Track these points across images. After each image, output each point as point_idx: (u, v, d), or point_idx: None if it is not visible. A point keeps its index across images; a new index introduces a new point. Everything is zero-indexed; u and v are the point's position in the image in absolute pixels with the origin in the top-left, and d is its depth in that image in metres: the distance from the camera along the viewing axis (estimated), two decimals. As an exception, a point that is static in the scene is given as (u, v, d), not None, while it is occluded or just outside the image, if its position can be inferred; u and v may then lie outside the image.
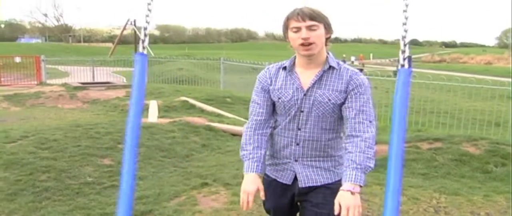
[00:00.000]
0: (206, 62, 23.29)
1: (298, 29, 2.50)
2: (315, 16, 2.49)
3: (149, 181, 6.39)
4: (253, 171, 2.64)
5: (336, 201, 2.36)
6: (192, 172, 6.75)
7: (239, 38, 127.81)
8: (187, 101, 12.37)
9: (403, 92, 2.06)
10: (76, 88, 15.43)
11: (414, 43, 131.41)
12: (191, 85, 19.53)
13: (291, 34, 2.54)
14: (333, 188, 2.59)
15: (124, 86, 16.19)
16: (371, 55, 72.15)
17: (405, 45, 2.13)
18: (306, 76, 2.62)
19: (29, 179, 6.00)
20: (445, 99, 12.80)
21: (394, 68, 38.80)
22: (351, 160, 2.45)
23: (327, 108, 2.60)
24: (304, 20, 2.47)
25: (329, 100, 2.58)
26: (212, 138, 8.76)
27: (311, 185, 2.72)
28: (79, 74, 20.53)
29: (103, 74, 21.14)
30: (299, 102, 2.62)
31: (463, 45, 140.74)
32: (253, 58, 41.94)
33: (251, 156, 2.68)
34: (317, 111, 2.61)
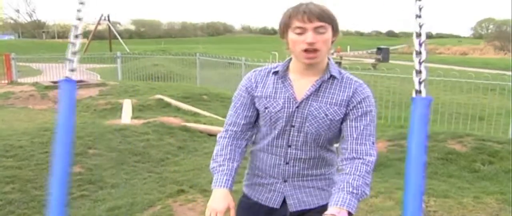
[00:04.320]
0: (182, 57, 22.86)
1: (303, 31, 2.07)
2: (324, 17, 2.07)
3: (121, 189, 6.04)
4: (222, 186, 2.24)
5: None
6: (168, 177, 6.41)
7: (216, 32, 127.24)
8: (162, 100, 11.99)
9: (420, 128, 1.68)
10: (47, 87, 14.86)
11: (390, 34, 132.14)
12: (167, 81, 19.12)
13: (292, 35, 2.11)
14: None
15: (97, 85, 15.70)
16: (348, 47, 72.14)
17: (420, 62, 1.73)
18: (301, 84, 2.22)
19: (-9, 191, 5.60)
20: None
21: (373, 61, 38.82)
22: (348, 182, 2.08)
23: (322, 124, 2.22)
24: (311, 21, 2.05)
25: (326, 115, 2.21)
26: (188, 140, 8.40)
27: (303, 208, 2.37)
28: (51, 72, 19.88)
29: (76, 71, 20.51)
30: (289, 115, 2.23)
31: (439, 35, 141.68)
32: (230, 52, 41.62)
33: (221, 168, 2.29)
34: (310, 127, 2.23)
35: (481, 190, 5.76)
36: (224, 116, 2.51)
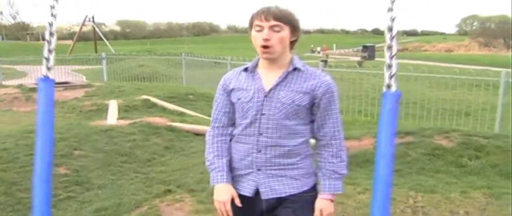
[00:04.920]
0: (168, 58, 22.79)
1: (261, 29, 2.37)
2: (280, 17, 2.36)
3: (108, 190, 5.98)
4: (219, 182, 2.52)
5: (317, 208, 2.50)
6: (154, 178, 6.37)
7: (202, 32, 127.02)
8: (148, 100, 11.93)
9: (390, 122, 1.78)
10: (32, 89, 14.70)
11: (375, 32, 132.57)
12: (153, 82, 19.04)
13: (253, 32, 2.41)
14: (301, 201, 2.54)
15: (83, 86, 15.60)
16: (334, 45, 72.27)
17: (391, 57, 1.75)
18: (269, 77, 2.48)
19: (-25, 195, 5.51)
20: (412, 89, 12.65)
21: (358, 58, 38.91)
22: (332, 170, 2.52)
23: (290, 110, 2.43)
24: (268, 20, 2.35)
25: (293, 101, 2.43)
26: (174, 139, 8.36)
27: (275, 197, 2.53)
28: (36, 74, 19.71)
29: (61, 73, 20.41)
30: (259, 103, 2.46)
31: (424, 33, 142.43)
32: (216, 51, 41.60)
33: (213, 167, 2.56)
34: (280, 113, 2.43)
35: (468, 185, 5.78)
36: (210, 115, 2.64)
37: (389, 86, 1.72)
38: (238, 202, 2.48)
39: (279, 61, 2.45)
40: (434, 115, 9.97)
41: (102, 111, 11.05)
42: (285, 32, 2.38)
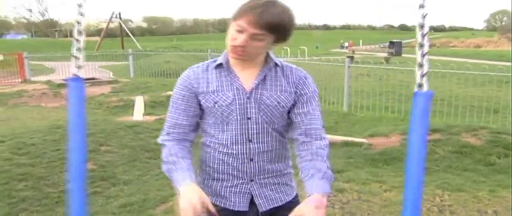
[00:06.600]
0: (194, 54, 22.86)
1: (242, 31, 1.95)
2: (270, 27, 1.93)
3: (134, 186, 6.02)
4: (188, 181, 2.01)
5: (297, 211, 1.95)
6: (180, 174, 6.38)
7: (227, 28, 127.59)
8: (174, 96, 11.98)
9: (422, 123, 1.67)
10: (60, 85, 14.95)
11: (402, 28, 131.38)
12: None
13: (232, 29, 1.99)
14: (296, 206, 2.04)
15: (109, 82, 15.76)
16: (360, 41, 71.87)
17: (423, 55, 1.68)
18: (246, 75, 2.11)
19: (4, 189, 5.59)
20: (440, 85, 12.50)
21: (385, 55, 38.63)
22: (316, 168, 2.03)
23: (276, 112, 2.12)
24: (254, 27, 1.93)
25: (278, 103, 2.11)
26: (199, 136, 8.36)
27: (272, 206, 2.23)
28: (64, 70, 19.92)
29: (89, 69, 20.56)
30: (243, 107, 2.09)
31: (452, 29, 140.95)
32: (242, 48, 41.38)
33: (179, 166, 2.08)
34: (265, 116, 2.11)
35: (497, 184, 5.68)
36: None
37: (420, 86, 1.65)
38: (212, 208, 1.96)
39: (253, 60, 2.10)
40: (462, 112, 9.82)
41: (128, 107, 11.14)
42: (267, 41, 1.99)
